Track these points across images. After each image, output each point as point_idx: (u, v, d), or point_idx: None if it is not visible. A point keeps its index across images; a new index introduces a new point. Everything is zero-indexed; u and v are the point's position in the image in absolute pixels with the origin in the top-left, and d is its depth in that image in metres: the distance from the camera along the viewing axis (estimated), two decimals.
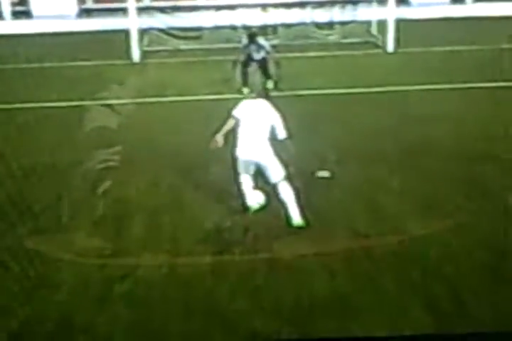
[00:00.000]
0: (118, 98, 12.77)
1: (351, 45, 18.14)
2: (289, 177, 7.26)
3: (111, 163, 8.81)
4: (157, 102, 12.99)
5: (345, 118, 11.20)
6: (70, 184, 8.10)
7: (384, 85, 13.42)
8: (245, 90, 12.77)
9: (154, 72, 15.65)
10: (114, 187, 8.09)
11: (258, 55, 12.78)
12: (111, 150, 9.32)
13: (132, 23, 17.23)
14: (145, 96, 13.09)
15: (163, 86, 14.06)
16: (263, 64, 12.83)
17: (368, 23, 19.22)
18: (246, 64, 12.99)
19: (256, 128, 7.29)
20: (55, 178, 8.38)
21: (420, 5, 23.43)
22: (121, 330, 5.42)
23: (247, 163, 7.34)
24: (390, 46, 17.35)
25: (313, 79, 14.14)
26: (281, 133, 7.32)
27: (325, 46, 18.03)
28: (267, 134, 7.27)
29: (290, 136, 7.32)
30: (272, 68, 12.76)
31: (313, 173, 8.26)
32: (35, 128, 10.87)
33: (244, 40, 13.01)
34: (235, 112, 7.37)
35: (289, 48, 17.36)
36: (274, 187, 7.26)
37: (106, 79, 14.48)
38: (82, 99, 12.42)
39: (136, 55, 17.16)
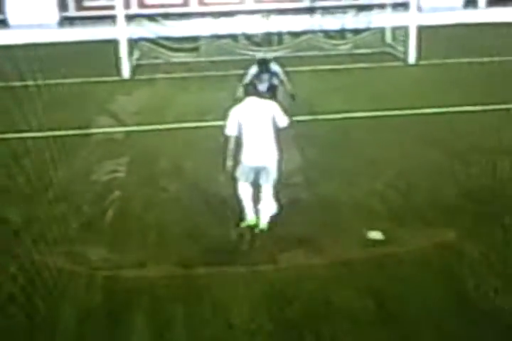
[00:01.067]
0: (107, 126, 10.90)
1: (366, 57, 16.21)
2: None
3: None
4: (152, 130, 11.08)
5: (375, 154, 9.32)
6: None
7: (417, 107, 11.54)
8: None
9: (148, 91, 13.74)
10: None
11: (265, 85, 10.06)
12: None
13: (121, 32, 15.23)
14: (139, 124, 11.19)
15: (158, 109, 12.15)
16: (272, 94, 9.94)
17: (382, 31, 17.29)
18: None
19: (259, 130, 7.06)
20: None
21: (432, 10, 21.55)
22: None
23: (250, 170, 7.14)
24: (412, 57, 15.46)
25: (326, 99, 12.28)
26: (283, 121, 7.10)
27: (336, 58, 16.12)
28: (271, 132, 7.04)
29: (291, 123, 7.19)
30: (285, 100, 9.91)
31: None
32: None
33: (254, 69, 10.24)
34: (228, 130, 7.08)
35: (297, 61, 15.49)
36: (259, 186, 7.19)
37: (92, 102, 12.60)
38: (62, 129, 10.58)
39: (126, 70, 15.16)
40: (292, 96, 10.13)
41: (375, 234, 6.70)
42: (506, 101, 11.50)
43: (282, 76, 10.25)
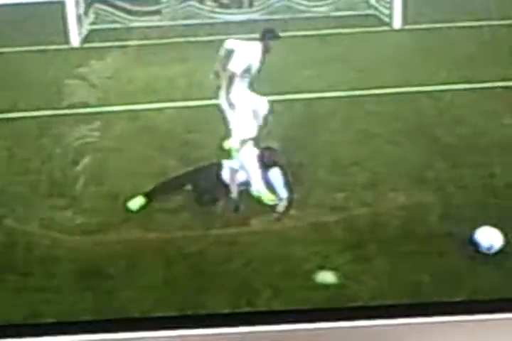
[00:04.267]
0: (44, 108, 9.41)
1: (346, 21, 14.42)
2: None
3: None
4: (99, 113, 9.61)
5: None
6: None
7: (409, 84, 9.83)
8: None
9: (99, 63, 12.13)
10: None
11: None
12: None
13: None
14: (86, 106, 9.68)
15: (111, 86, 10.62)
16: None
17: None
18: None
19: None
20: None
21: None
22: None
23: None
24: (397, 21, 13.67)
25: (294, 74, 10.71)
26: None
27: (312, 22, 14.34)
28: None
29: None
30: None
31: None
32: None
33: None
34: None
35: (269, 26, 13.75)
36: None
37: (27, 76, 11.02)
38: None
39: (75, 36, 13.43)
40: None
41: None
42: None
43: None
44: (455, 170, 7.20)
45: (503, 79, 9.96)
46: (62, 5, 13.59)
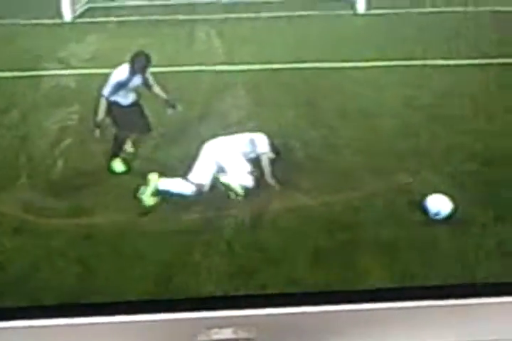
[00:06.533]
0: None
1: (318, 3, 15.17)
2: None
3: None
4: None
5: None
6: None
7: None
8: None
9: (86, 40, 13.18)
10: None
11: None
12: None
13: None
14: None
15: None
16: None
17: None
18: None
19: None
20: None
21: None
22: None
23: None
24: (361, 5, 14.39)
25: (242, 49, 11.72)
26: None
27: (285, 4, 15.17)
28: None
29: None
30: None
31: None
32: None
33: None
34: None
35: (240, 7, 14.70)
36: None
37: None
38: None
39: (67, 10, 14.44)
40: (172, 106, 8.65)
41: None
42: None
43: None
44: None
45: (423, 58, 10.60)
46: None
